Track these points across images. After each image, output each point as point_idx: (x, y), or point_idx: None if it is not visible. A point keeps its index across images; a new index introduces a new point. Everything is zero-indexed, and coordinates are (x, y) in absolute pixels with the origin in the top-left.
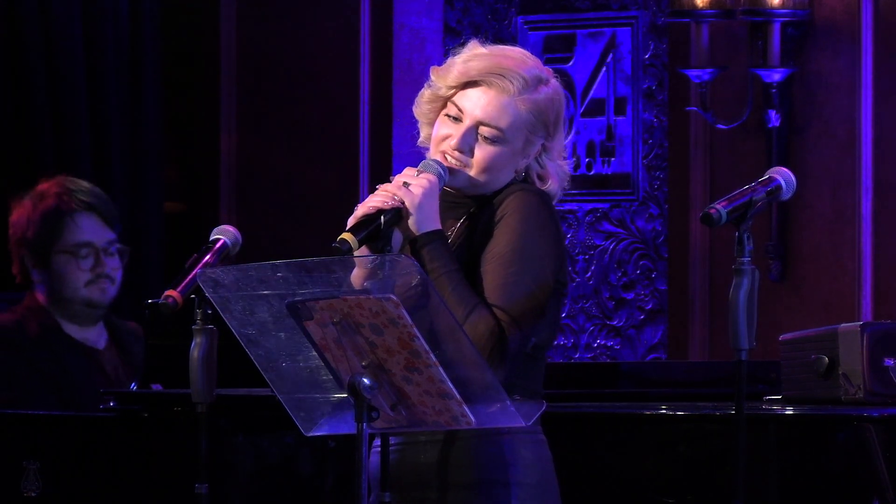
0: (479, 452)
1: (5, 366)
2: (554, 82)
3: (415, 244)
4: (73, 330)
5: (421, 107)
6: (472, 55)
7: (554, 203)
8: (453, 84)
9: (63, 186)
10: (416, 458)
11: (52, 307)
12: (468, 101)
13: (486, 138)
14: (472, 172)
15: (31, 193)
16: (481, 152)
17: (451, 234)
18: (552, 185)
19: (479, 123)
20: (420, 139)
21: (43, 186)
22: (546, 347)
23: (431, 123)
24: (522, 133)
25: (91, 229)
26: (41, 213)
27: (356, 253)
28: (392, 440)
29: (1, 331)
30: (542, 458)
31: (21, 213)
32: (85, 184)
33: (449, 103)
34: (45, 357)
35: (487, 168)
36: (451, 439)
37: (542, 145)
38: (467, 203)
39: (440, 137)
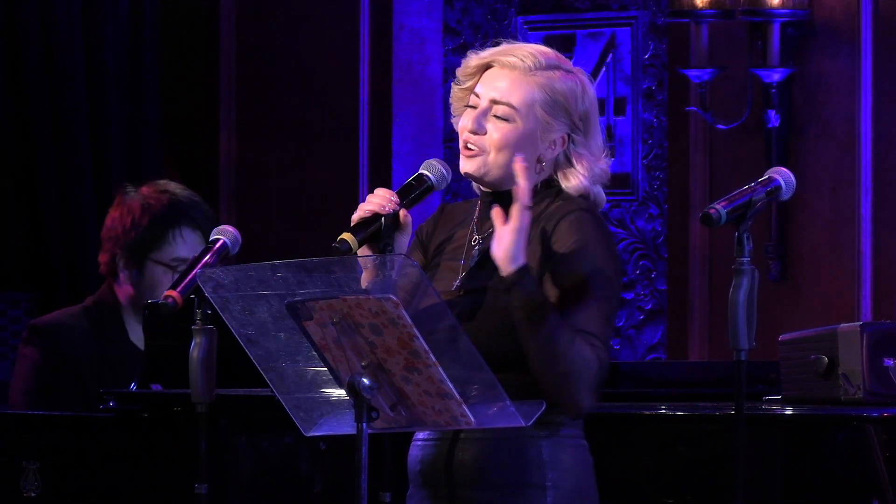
0: (518, 454)
1: (51, 366)
2: (580, 76)
3: (505, 280)
4: (139, 338)
5: (452, 108)
6: (489, 48)
7: (601, 205)
8: (472, 72)
9: (176, 197)
10: (453, 455)
11: (130, 307)
12: (482, 85)
13: (497, 117)
14: (490, 156)
15: (139, 194)
16: (494, 130)
17: (490, 234)
18: (579, 182)
19: (492, 103)
20: None
21: (150, 189)
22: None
23: None
24: (536, 111)
25: (193, 247)
26: (150, 219)
27: (357, 253)
28: (428, 435)
29: (57, 327)
30: (581, 463)
31: (125, 211)
32: (195, 197)
33: (471, 95)
34: (96, 358)
35: (502, 146)
36: (491, 439)
37: (570, 136)
38: (508, 206)
39: (461, 128)
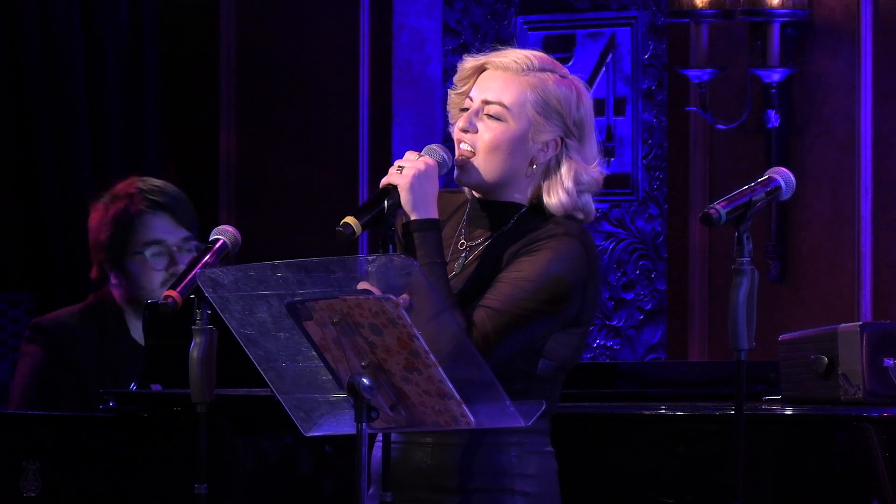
0: (485, 460)
1: (53, 364)
2: (575, 83)
3: (407, 228)
4: (140, 335)
5: (451, 114)
6: (481, 54)
7: (591, 216)
8: (467, 75)
9: (134, 187)
10: (421, 459)
11: (129, 306)
12: (476, 87)
13: (489, 116)
14: (478, 158)
15: (105, 196)
16: (485, 130)
17: (479, 244)
18: (559, 199)
19: (484, 103)
20: None
21: (115, 189)
22: (567, 370)
23: None
24: (527, 111)
25: (161, 228)
26: (112, 217)
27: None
28: (396, 438)
29: (59, 325)
30: (547, 470)
31: (95, 216)
32: (157, 182)
33: (467, 98)
34: (98, 356)
35: (493, 147)
36: (458, 444)
37: (563, 141)
38: (499, 216)
39: (455, 130)
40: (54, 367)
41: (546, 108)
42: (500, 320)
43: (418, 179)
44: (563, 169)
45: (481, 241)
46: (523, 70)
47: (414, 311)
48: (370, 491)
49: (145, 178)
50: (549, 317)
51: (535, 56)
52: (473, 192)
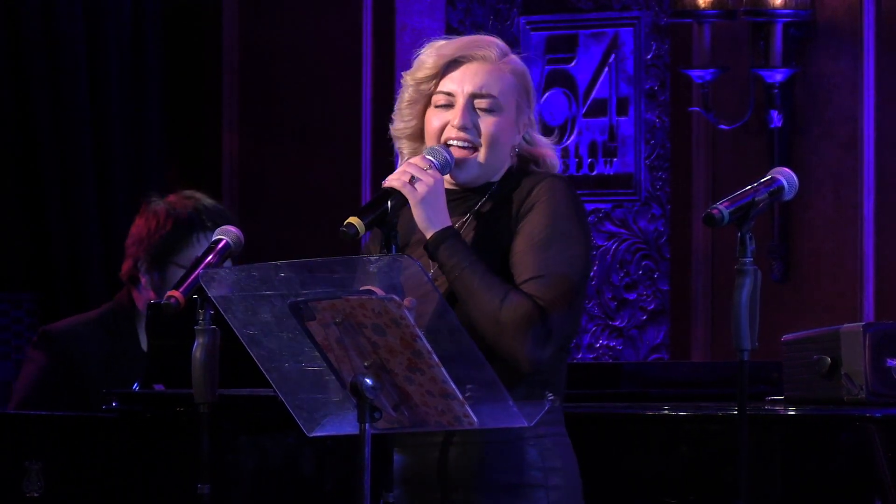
0: (515, 456)
1: (57, 371)
2: (518, 57)
3: (427, 246)
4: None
5: (401, 114)
6: (440, 44)
7: None
8: (432, 72)
9: (200, 203)
10: (448, 458)
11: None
12: (454, 81)
13: (484, 110)
14: (482, 153)
15: (164, 202)
16: (485, 125)
17: (461, 228)
18: (552, 159)
19: (472, 97)
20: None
21: (176, 197)
22: (572, 338)
23: (413, 135)
24: (513, 98)
25: None
26: (173, 222)
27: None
28: (416, 439)
29: (68, 335)
30: (569, 461)
31: (150, 216)
32: (220, 205)
33: (434, 95)
34: (106, 367)
35: (494, 141)
36: (485, 442)
37: (529, 118)
38: (469, 197)
39: (437, 129)
40: (58, 374)
41: (523, 90)
42: (547, 283)
43: (430, 195)
44: (537, 141)
45: (465, 223)
46: (498, 58)
47: (481, 304)
48: (395, 492)
49: (206, 195)
50: (579, 249)
51: (498, 41)
52: (450, 183)
